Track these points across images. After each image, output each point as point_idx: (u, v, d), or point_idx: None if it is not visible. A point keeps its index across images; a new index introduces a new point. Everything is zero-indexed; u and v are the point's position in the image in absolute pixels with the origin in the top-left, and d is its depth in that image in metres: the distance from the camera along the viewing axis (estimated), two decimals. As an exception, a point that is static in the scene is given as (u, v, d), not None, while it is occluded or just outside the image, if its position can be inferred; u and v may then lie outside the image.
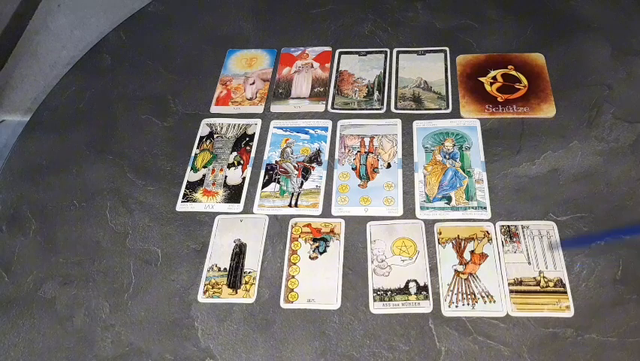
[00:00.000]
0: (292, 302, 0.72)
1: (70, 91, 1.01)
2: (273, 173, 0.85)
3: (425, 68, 0.95)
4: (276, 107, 0.93)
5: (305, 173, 0.85)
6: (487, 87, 0.91)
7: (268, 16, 1.08)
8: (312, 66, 0.98)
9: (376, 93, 0.93)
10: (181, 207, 0.83)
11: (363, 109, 0.91)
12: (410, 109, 0.90)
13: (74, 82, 1.02)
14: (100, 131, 0.94)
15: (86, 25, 1.81)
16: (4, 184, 0.89)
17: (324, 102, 0.93)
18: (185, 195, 0.84)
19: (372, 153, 0.85)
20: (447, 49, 0.97)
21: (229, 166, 0.87)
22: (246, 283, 0.74)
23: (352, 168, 0.84)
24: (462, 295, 0.70)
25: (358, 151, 0.86)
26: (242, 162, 0.87)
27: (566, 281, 0.70)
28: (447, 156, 0.83)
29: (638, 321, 0.67)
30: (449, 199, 0.79)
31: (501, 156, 0.83)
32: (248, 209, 0.81)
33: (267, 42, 1.04)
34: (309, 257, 0.76)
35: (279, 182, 0.84)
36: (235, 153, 0.88)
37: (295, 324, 0.71)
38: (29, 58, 1.76)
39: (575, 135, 0.84)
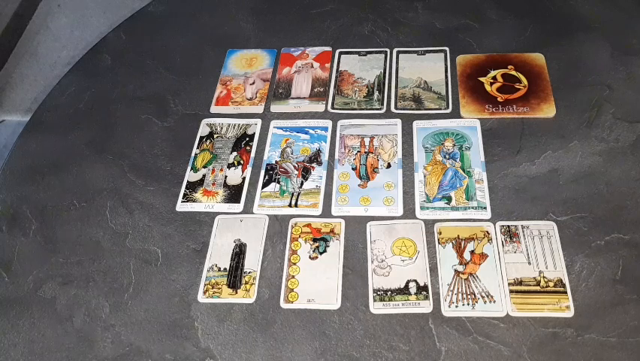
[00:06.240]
0: (292, 302, 0.72)
1: (70, 91, 1.01)
2: (273, 173, 0.85)
3: (425, 68, 0.95)
4: (276, 107, 0.93)
5: (305, 173, 0.84)
6: (487, 87, 0.91)
7: (268, 16, 1.08)
8: (312, 66, 0.98)
9: (376, 93, 0.93)
10: (181, 207, 0.83)
11: (363, 109, 0.91)
12: (410, 109, 0.90)
13: (74, 82, 1.02)
14: (100, 131, 0.94)
15: (86, 25, 1.81)
16: (4, 184, 0.89)
17: (324, 102, 0.93)
18: (185, 195, 0.84)
19: (372, 153, 0.85)
20: (447, 49, 0.97)
21: (229, 166, 0.87)
22: (246, 283, 0.74)
23: (352, 168, 0.84)
24: (462, 295, 0.70)
25: (358, 151, 0.86)
26: (242, 162, 0.87)
27: (566, 281, 0.70)
28: (447, 156, 0.83)
29: (638, 321, 0.67)
30: (449, 199, 0.79)
31: (501, 156, 0.83)
32: (248, 209, 0.81)
33: (267, 42, 1.03)
34: (309, 257, 0.76)
35: (279, 182, 0.84)
36: (235, 153, 0.88)
37: (295, 324, 0.71)
38: (29, 58, 1.76)
39: (575, 135, 0.84)
